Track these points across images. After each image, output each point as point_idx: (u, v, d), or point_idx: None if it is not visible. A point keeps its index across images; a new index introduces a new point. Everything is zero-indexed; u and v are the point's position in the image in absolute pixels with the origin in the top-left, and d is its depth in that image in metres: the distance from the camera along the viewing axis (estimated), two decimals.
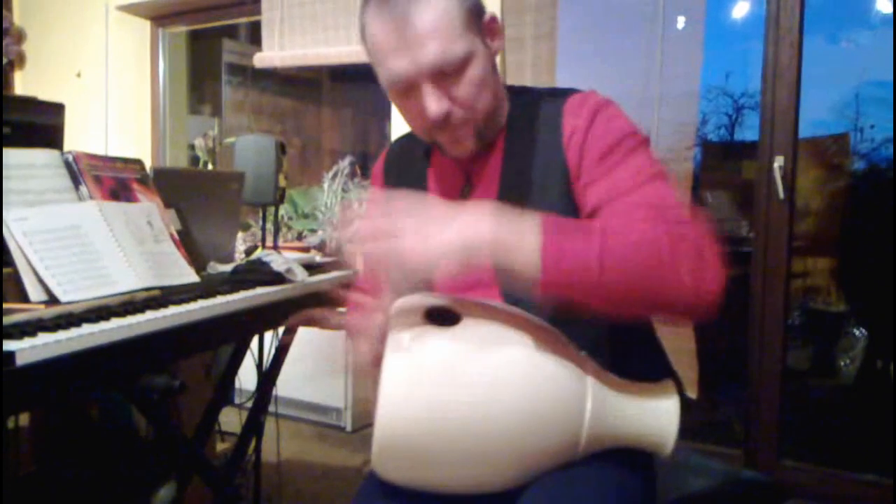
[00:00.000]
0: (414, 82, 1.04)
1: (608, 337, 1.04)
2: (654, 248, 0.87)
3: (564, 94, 1.11)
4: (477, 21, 1.06)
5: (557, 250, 0.85)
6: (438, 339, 0.90)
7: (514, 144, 1.11)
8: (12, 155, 1.37)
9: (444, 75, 1.03)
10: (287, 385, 2.73)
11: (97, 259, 1.34)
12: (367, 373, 1.01)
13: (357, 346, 1.04)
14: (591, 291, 0.87)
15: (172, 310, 1.27)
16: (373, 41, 1.06)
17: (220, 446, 2.45)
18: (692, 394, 2.40)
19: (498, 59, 1.15)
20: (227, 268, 1.69)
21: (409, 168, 1.23)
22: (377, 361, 0.93)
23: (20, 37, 3.99)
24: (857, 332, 4.06)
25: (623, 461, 0.98)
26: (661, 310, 0.94)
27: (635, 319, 0.97)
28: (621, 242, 0.87)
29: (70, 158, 1.48)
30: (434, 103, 1.04)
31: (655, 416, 0.96)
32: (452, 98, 1.05)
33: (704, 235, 0.90)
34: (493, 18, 1.10)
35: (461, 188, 1.17)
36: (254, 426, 2.09)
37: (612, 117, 1.06)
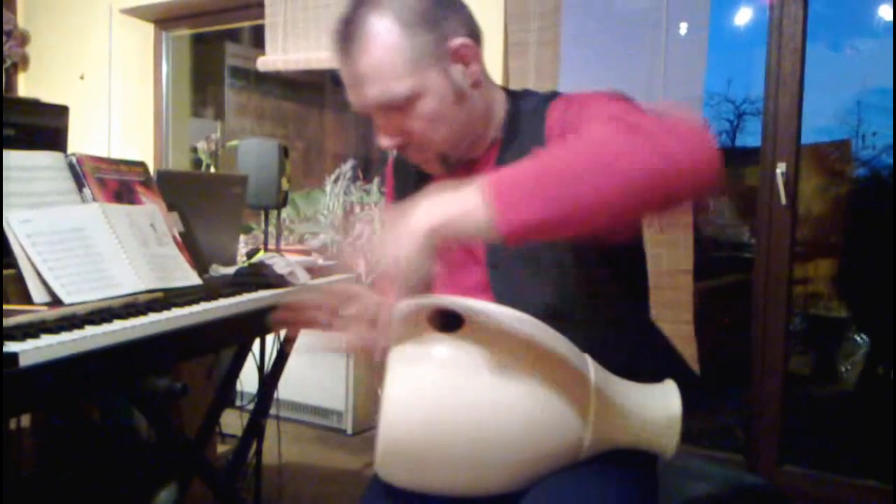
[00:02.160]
0: (369, 112, 1.06)
1: (608, 336, 1.04)
2: (614, 137, 0.83)
3: (552, 97, 1.12)
4: (435, 53, 1.03)
5: (504, 200, 0.80)
6: (441, 344, 0.90)
7: (506, 150, 1.12)
8: (16, 157, 1.38)
9: (393, 109, 1.04)
10: (288, 388, 2.74)
11: (100, 261, 1.34)
12: (359, 356, 1.01)
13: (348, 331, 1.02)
14: (562, 208, 0.80)
15: (175, 312, 1.28)
16: None
17: (221, 449, 2.45)
18: (694, 369, 2.38)
19: (500, 64, 1.15)
20: (230, 270, 1.70)
21: (415, 170, 1.23)
22: (370, 351, 0.93)
23: (24, 39, 4.00)
24: (858, 339, 4.05)
25: (625, 465, 0.99)
26: (654, 191, 0.82)
27: (641, 216, 0.92)
28: (572, 144, 0.85)
29: (73, 160, 1.48)
30: (383, 137, 1.08)
31: (658, 417, 0.96)
32: (404, 130, 1.06)
33: (686, 119, 0.85)
34: (463, 45, 1.05)
35: None
36: (255, 429, 2.09)
37: (585, 96, 1.05)
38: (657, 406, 0.96)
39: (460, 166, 1.15)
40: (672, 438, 0.95)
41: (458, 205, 0.83)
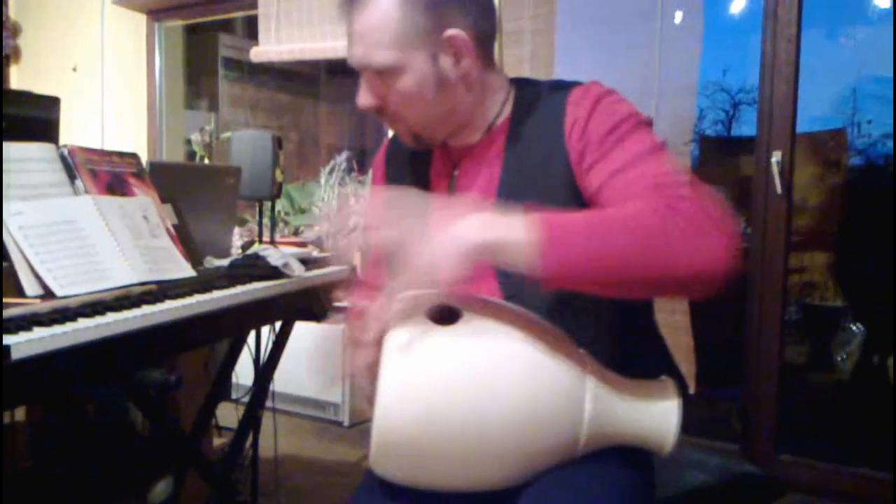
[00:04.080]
0: (357, 69, 1.10)
1: (609, 333, 1.04)
2: (647, 223, 0.86)
3: (568, 86, 1.11)
4: (426, 37, 1.04)
5: (551, 242, 0.85)
6: (438, 337, 0.89)
7: (516, 136, 1.11)
8: (8, 149, 1.36)
9: (374, 74, 1.07)
10: (284, 380, 2.73)
11: (93, 253, 1.33)
12: (361, 380, 1.00)
13: (353, 355, 1.03)
14: (590, 275, 0.87)
15: (168, 304, 1.27)
16: None
17: (218, 441, 2.45)
18: (690, 388, 2.40)
19: (496, 53, 1.14)
20: (224, 262, 1.69)
21: (412, 157, 1.23)
22: (372, 370, 0.93)
23: (16, 31, 3.97)
24: (854, 328, 4.06)
25: (621, 456, 0.98)
26: (664, 285, 0.91)
27: (640, 300, 0.95)
28: (615, 224, 0.87)
29: (66, 152, 1.47)
30: (360, 95, 1.11)
31: (655, 415, 0.95)
32: (382, 96, 1.09)
33: (705, 204, 0.89)
34: (457, 38, 1.05)
35: (449, 179, 1.18)
36: (251, 421, 2.09)
37: (612, 103, 1.05)
38: (655, 403, 0.96)
39: (458, 150, 1.16)
40: (669, 435, 0.95)
41: (507, 233, 0.86)
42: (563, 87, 1.11)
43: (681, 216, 0.87)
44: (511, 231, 0.86)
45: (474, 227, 0.86)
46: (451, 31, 1.05)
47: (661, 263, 0.86)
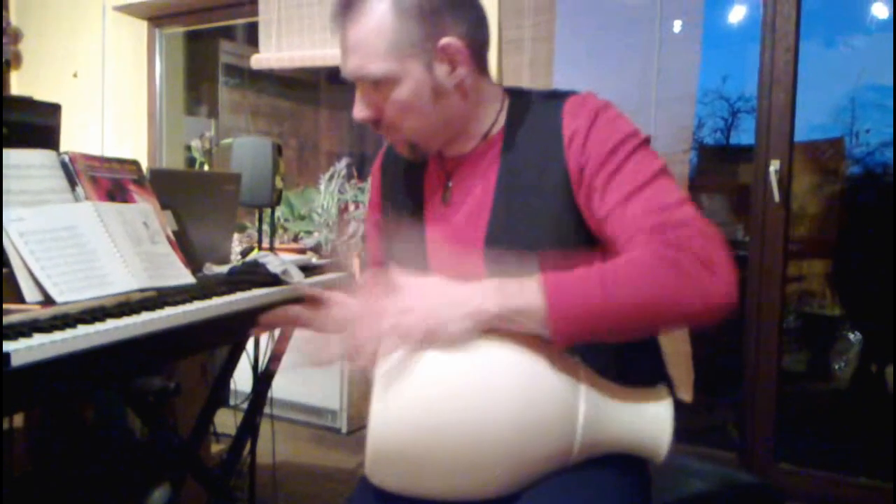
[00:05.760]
0: (352, 80, 1.10)
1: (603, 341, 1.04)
2: (653, 275, 0.89)
3: (563, 95, 1.11)
4: (421, 46, 1.04)
5: (563, 315, 0.88)
6: (430, 348, 0.90)
7: (511, 146, 1.11)
8: (9, 155, 1.37)
9: (369, 86, 1.08)
10: (283, 387, 2.73)
11: (93, 260, 1.34)
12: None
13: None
14: (601, 332, 0.91)
15: (168, 311, 1.27)
16: None
17: (216, 448, 2.45)
18: (687, 397, 2.40)
19: (494, 61, 1.14)
20: (224, 269, 1.69)
21: (406, 166, 1.23)
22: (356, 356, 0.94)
23: (17, 37, 3.98)
24: (851, 336, 4.07)
25: (618, 465, 0.98)
26: (676, 325, 1.02)
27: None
28: (623, 280, 0.89)
29: (66, 159, 1.47)
30: (356, 107, 1.11)
31: (649, 422, 0.95)
32: (378, 108, 1.09)
33: (708, 237, 0.92)
34: (452, 46, 1.05)
35: (443, 189, 1.18)
36: (249, 428, 2.09)
37: (612, 119, 1.06)
38: (648, 410, 0.96)
39: (452, 160, 1.16)
40: (663, 443, 0.95)
41: (518, 301, 0.89)
42: (557, 97, 1.11)
43: (684, 261, 0.90)
44: (523, 299, 0.89)
45: (487, 296, 0.89)
46: (445, 40, 1.05)
47: (669, 312, 0.91)
